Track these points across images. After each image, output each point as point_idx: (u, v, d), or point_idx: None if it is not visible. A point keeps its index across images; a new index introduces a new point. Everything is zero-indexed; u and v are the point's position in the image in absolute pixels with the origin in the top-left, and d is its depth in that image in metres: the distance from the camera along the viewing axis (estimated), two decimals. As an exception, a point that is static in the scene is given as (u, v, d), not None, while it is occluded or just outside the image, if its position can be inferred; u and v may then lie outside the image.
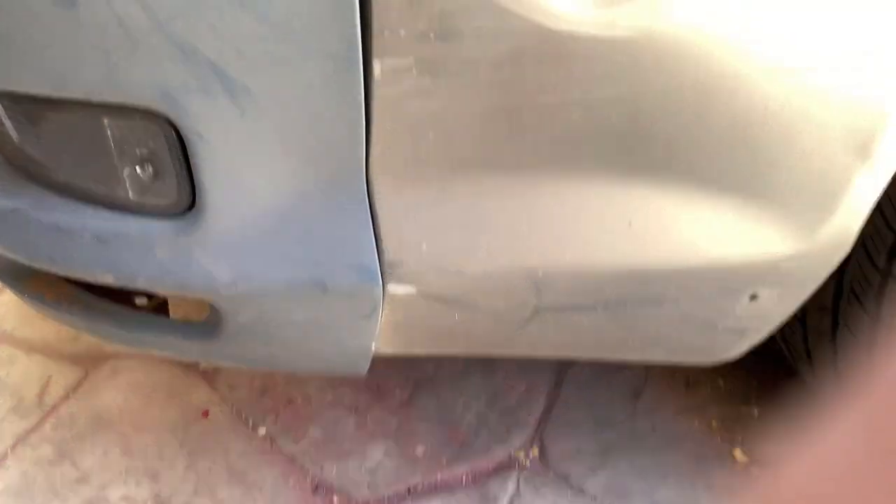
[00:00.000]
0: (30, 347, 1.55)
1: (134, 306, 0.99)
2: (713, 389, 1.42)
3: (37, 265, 0.83)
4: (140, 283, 0.78)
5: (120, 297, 0.95)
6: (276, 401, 1.42)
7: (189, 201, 0.74)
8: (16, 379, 1.47)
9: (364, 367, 0.86)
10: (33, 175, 0.81)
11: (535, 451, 1.33)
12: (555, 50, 0.63)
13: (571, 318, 0.80)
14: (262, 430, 1.36)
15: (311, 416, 1.39)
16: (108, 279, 0.79)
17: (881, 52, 0.66)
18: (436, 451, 1.32)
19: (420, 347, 0.86)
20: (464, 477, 1.28)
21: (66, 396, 1.43)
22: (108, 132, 0.71)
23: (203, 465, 1.30)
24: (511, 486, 1.26)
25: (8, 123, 0.78)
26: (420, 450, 1.33)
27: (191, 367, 1.47)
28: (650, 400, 1.41)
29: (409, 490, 1.26)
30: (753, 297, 0.81)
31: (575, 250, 0.74)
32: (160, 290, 0.79)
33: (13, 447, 1.33)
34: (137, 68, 0.64)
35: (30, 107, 0.73)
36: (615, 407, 1.40)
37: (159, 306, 1.01)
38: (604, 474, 1.28)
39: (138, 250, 0.76)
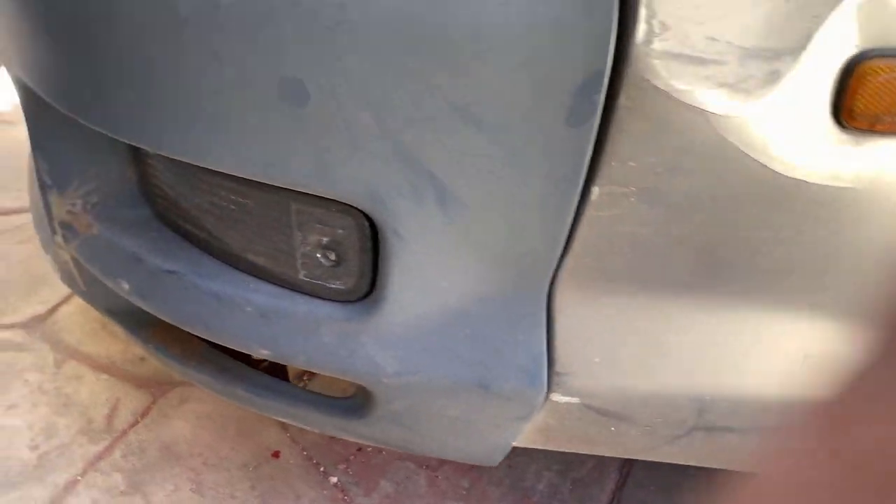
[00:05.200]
0: (96, 366, 1.53)
1: (251, 362, 0.98)
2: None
3: (187, 329, 0.82)
4: (298, 362, 0.77)
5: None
6: (347, 448, 1.41)
7: (366, 290, 0.73)
8: (83, 398, 1.46)
9: (498, 459, 0.86)
10: (196, 240, 0.80)
11: (613, 529, 1.31)
12: (777, 193, 0.62)
13: (723, 438, 0.80)
14: (333, 479, 1.35)
15: (383, 468, 1.38)
16: (265, 354, 0.78)
17: None
18: (510, 520, 1.31)
19: (558, 446, 0.85)
20: (537, 550, 1.27)
21: (135, 422, 1.42)
22: (295, 216, 0.70)
23: (275, 511, 1.28)
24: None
25: (187, 191, 0.77)
26: (493, 517, 1.31)
27: (260, 403, 1.46)
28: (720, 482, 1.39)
29: (481, 558, 1.25)
30: None
31: (748, 379, 0.73)
32: (318, 370, 0.78)
33: (84, 473, 1.32)
34: (353, 168, 0.63)
35: (220, 181, 0.72)
36: (686, 487, 1.39)
37: (275, 365, 1.00)
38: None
39: (303, 330, 0.75)
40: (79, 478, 1.31)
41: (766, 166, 0.60)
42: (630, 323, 0.71)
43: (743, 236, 0.65)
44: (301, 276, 0.74)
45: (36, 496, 1.28)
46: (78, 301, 1.69)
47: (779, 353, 0.72)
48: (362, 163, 0.63)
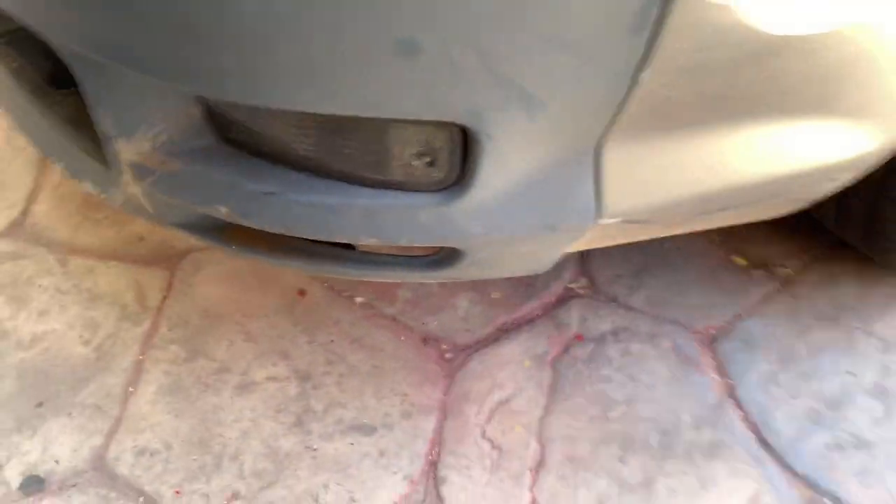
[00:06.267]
0: (100, 256, 1.62)
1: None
2: (708, 208, 1.75)
3: (292, 234, 0.96)
4: (401, 243, 0.95)
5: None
6: (358, 271, 1.61)
7: (455, 179, 0.89)
8: (105, 288, 1.57)
9: (548, 268, 1.10)
10: (279, 160, 0.92)
11: (584, 282, 1.63)
12: (770, 49, 0.82)
13: (714, 215, 1.06)
14: (359, 300, 1.57)
15: (396, 283, 1.60)
16: (370, 242, 0.95)
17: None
18: (509, 294, 1.60)
19: (590, 247, 1.09)
20: (536, 311, 1.58)
21: (165, 297, 1.56)
22: (393, 137, 0.84)
23: (323, 338, 1.51)
24: (576, 313, 1.57)
25: (274, 131, 0.88)
26: (496, 295, 1.60)
27: (267, 252, 1.62)
28: (662, 224, 1.72)
29: (498, 329, 1.55)
30: (834, 181, 1.10)
31: (740, 175, 0.98)
32: (415, 244, 0.96)
33: (143, 352, 1.48)
34: (456, 96, 0.77)
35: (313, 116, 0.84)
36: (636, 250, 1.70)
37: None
38: (643, 292, 1.61)
39: (404, 218, 0.92)
40: (141, 357, 1.47)
41: (767, 33, 0.80)
42: (657, 159, 0.92)
43: (744, 81, 0.86)
44: (396, 178, 0.89)
45: (111, 383, 1.44)
46: (47, 197, 1.71)
47: (765, 151, 0.97)
48: (465, 91, 0.77)
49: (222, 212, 0.96)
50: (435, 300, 1.58)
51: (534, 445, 1.39)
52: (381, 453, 1.37)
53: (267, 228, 0.97)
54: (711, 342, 1.53)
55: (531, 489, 1.34)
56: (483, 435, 1.40)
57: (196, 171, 0.95)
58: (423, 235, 0.94)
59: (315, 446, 1.37)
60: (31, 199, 1.71)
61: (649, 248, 1.67)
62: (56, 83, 1.23)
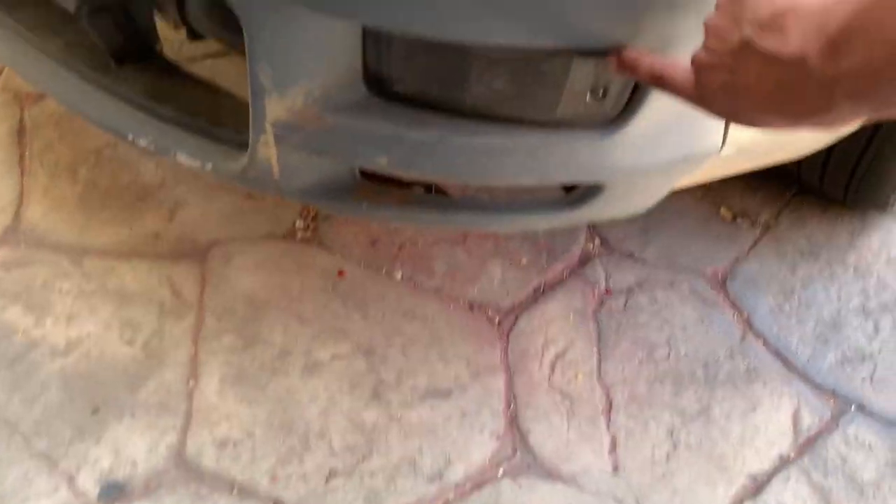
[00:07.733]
0: (118, 254, 1.53)
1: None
2: (687, 170, 1.92)
3: (452, 181, 0.99)
4: (556, 180, 1.00)
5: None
6: (389, 249, 1.63)
7: (616, 114, 0.96)
8: (134, 286, 1.48)
9: (648, 208, 1.19)
10: (454, 107, 0.95)
11: (598, 242, 1.74)
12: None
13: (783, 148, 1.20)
14: (398, 275, 1.59)
15: (427, 255, 1.64)
16: (529, 182, 0.99)
17: None
18: (535, 259, 1.68)
19: (689, 184, 1.19)
20: (564, 272, 1.67)
21: (202, 290, 1.50)
22: (575, 69, 0.90)
23: (375, 314, 1.51)
24: (600, 270, 1.68)
25: (445, 72, 0.91)
26: (524, 260, 1.67)
27: (295, 239, 1.60)
28: (651, 186, 1.87)
29: (535, 290, 1.62)
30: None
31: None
32: (566, 182, 1.01)
33: (195, 345, 1.41)
34: (660, 18, 0.84)
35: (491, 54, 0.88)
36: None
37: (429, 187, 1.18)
38: (652, 247, 1.74)
39: (566, 155, 0.97)
40: (194, 351, 1.41)
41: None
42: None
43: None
44: (566, 115, 0.95)
45: (170, 379, 1.36)
46: (38, 200, 1.59)
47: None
48: (666, 13, 0.84)
49: (381, 163, 0.97)
50: (470, 271, 1.63)
51: (598, 390, 1.47)
52: (463, 413, 1.40)
53: (428, 177, 0.99)
54: (722, 283, 1.69)
55: (608, 429, 1.42)
56: (551, 386, 1.46)
57: (353, 124, 0.95)
58: (580, 172, 1.00)
59: (398, 415, 1.37)
60: (21, 203, 1.58)
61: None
62: (119, 59, 1.18)
